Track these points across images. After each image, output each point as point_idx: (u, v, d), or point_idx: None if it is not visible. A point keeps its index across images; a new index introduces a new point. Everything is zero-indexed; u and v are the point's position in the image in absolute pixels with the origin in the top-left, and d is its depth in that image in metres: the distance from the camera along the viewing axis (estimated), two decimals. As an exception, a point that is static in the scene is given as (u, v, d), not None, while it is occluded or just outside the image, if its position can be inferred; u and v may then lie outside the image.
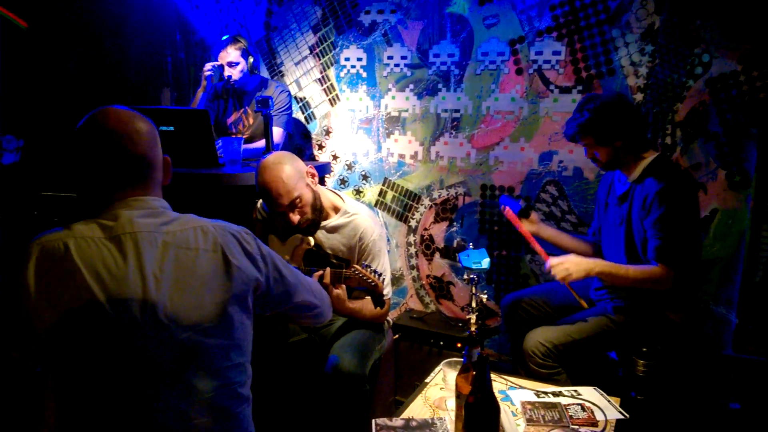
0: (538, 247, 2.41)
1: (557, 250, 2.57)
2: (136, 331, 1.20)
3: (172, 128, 2.77)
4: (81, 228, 1.24)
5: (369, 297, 2.23)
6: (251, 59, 3.28)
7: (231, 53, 3.21)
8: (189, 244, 1.30)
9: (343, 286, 2.16)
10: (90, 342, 1.19)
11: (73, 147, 1.30)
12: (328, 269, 2.13)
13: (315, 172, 2.31)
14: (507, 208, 2.55)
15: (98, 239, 1.22)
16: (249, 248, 1.39)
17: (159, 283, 1.23)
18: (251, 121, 3.38)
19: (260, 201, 2.49)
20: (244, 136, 3.34)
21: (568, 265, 2.20)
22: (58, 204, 2.79)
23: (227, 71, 3.23)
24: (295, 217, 2.20)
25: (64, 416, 1.22)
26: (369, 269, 2.11)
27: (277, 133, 3.22)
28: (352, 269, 2.10)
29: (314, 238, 2.35)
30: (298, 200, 2.18)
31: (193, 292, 1.27)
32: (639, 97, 2.77)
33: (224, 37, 3.27)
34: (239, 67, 3.23)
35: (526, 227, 2.52)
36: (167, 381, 1.24)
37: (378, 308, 2.19)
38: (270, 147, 2.85)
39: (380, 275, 2.13)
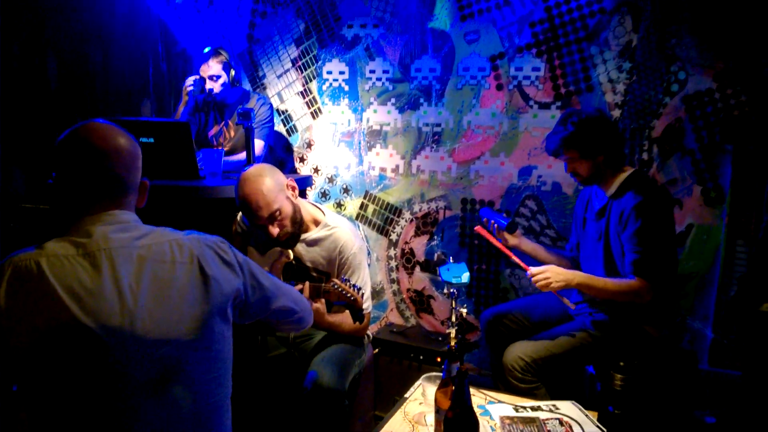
0: (516, 258, 2.42)
1: (537, 263, 2.59)
2: (115, 347, 1.18)
3: (152, 140, 2.75)
4: (53, 246, 1.22)
5: (348, 311, 2.22)
6: (233, 72, 3.26)
7: (212, 66, 3.19)
8: (165, 257, 1.28)
9: (323, 300, 2.15)
10: (69, 359, 1.17)
11: (53, 159, 1.28)
12: (307, 283, 2.12)
13: (295, 185, 2.31)
14: (479, 227, 2.55)
15: (71, 256, 1.20)
16: (226, 257, 1.39)
17: (136, 298, 1.22)
18: (232, 133, 3.37)
19: (240, 214, 2.47)
20: (225, 149, 3.33)
21: (548, 274, 2.22)
22: (38, 216, 2.75)
23: (208, 84, 3.21)
24: (275, 230, 2.19)
25: None
26: (348, 283, 2.10)
27: (258, 145, 3.21)
28: (331, 283, 2.09)
29: (294, 252, 2.35)
30: (277, 213, 2.17)
31: (171, 306, 1.25)
32: (616, 113, 2.81)
33: (206, 50, 3.25)
34: (221, 81, 3.22)
35: (510, 241, 2.53)
36: (149, 395, 1.22)
37: (357, 323, 2.18)
38: (251, 159, 2.85)
39: (359, 289, 2.13)
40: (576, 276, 2.24)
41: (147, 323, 1.22)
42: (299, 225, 2.29)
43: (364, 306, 2.30)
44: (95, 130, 1.31)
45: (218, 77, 3.20)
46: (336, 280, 2.10)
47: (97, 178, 1.28)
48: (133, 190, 1.36)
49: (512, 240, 2.55)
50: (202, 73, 3.21)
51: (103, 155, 1.28)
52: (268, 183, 2.16)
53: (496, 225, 2.55)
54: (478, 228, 2.54)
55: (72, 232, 1.25)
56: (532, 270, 2.25)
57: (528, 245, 2.59)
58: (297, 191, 2.32)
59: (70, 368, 1.17)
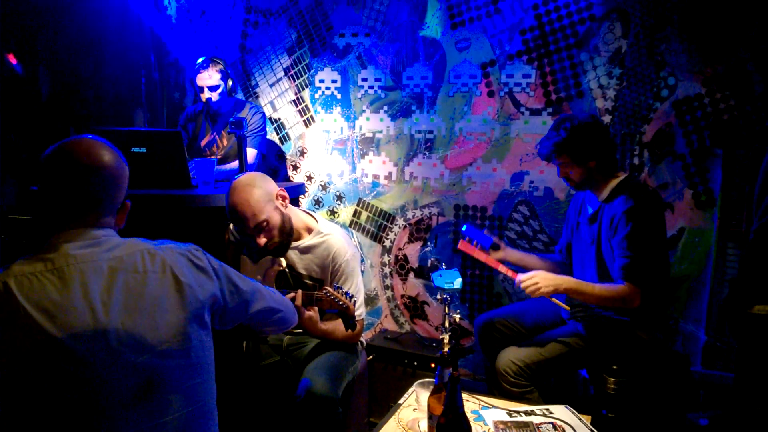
0: (503, 269, 2.42)
1: (524, 271, 2.60)
2: (91, 360, 1.18)
3: (144, 150, 2.75)
4: (20, 266, 1.21)
5: (341, 319, 2.23)
6: (230, 81, 3.28)
7: (213, 76, 3.18)
8: (137, 267, 1.28)
9: (316, 308, 2.16)
10: (45, 376, 1.16)
11: (37, 172, 1.29)
12: (299, 291, 2.12)
13: (286, 194, 2.31)
14: (463, 242, 2.55)
15: (39, 273, 1.19)
16: (200, 263, 1.39)
17: (108, 310, 1.21)
18: (225, 142, 3.37)
19: (233, 223, 2.47)
20: (218, 158, 3.33)
21: (537, 280, 2.23)
22: (27, 227, 2.75)
23: (207, 94, 3.21)
24: (262, 240, 2.19)
25: None
26: (341, 291, 2.11)
27: (251, 154, 3.22)
28: (324, 291, 2.10)
29: (287, 259, 2.35)
30: (264, 223, 2.18)
31: (145, 315, 1.25)
32: (607, 118, 2.83)
33: (200, 60, 3.26)
34: (219, 90, 3.23)
35: (493, 255, 2.54)
36: (131, 406, 1.22)
37: (349, 330, 2.19)
38: (243, 168, 2.85)
39: (352, 297, 2.13)
40: (565, 281, 2.25)
41: (121, 334, 1.21)
42: (288, 235, 2.29)
43: (357, 313, 2.31)
44: (81, 146, 1.30)
45: (217, 87, 3.21)
46: (328, 288, 2.10)
47: (75, 194, 1.28)
48: (111, 210, 1.34)
49: (496, 254, 2.56)
50: (199, 82, 3.20)
51: (84, 172, 1.28)
52: (257, 193, 2.17)
53: (479, 245, 2.55)
54: (460, 245, 2.55)
55: (41, 249, 1.25)
56: (521, 277, 2.26)
57: (514, 255, 2.60)
58: (287, 200, 2.32)
59: (47, 384, 1.16)
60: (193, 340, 1.32)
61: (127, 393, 1.21)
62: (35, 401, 1.16)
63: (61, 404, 1.17)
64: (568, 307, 2.33)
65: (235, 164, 3.16)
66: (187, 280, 1.33)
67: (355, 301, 2.16)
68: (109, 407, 1.20)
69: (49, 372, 1.16)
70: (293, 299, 2.09)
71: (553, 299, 2.29)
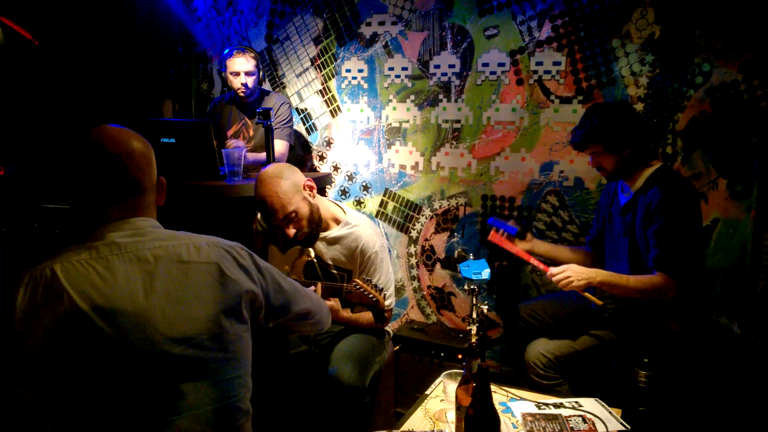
0: (534, 261, 2.39)
1: (556, 264, 2.57)
2: (128, 347, 1.19)
3: (173, 140, 2.78)
4: (68, 253, 1.24)
5: (370, 312, 2.24)
6: (261, 72, 3.31)
7: (249, 62, 3.21)
8: (181, 257, 1.30)
9: (337, 299, 2.18)
10: (84, 361, 1.18)
11: (67, 163, 1.30)
12: (319, 285, 2.16)
13: (313, 184, 2.31)
14: (493, 233, 2.53)
15: (84, 261, 1.22)
16: (243, 262, 1.40)
17: (149, 297, 1.23)
18: (252, 132, 3.39)
19: (260, 213, 2.49)
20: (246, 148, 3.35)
21: (569, 273, 2.19)
22: (59, 216, 2.80)
23: (242, 79, 3.22)
24: (291, 231, 2.20)
25: None
26: (370, 284, 2.11)
27: (281, 145, 3.22)
28: (354, 284, 2.10)
29: (315, 250, 2.35)
30: (293, 215, 2.18)
31: (185, 306, 1.26)
32: (639, 106, 2.77)
33: (227, 50, 3.27)
34: (254, 78, 3.25)
35: (520, 246, 2.52)
36: (164, 396, 1.23)
37: (378, 323, 2.19)
38: (271, 158, 2.86)
39: (381, 290, 2.13)
40: (598, 274, 2.21)
41: (160, 323, 1.22)
42: (317, 225, 2.30)
43: (388, 302, 2.31)
44: (107, 134, 1.32)
45: (254, 73, 3.23)
46: (358, 281, 2.10)
47: (112, 182, 1.30)
48: (149, 190, 1.37)
49: (524, 245, 2.53)
50: (235, 67, 3.21)
51: (115, 159, 1.30)
52: (284, 185, 2.17)
53: (506, 234, 2.53)
54: (490, 237, 2.52)
55: (89, 239, 1.27)
56: (552, 270, 2.23)
57: (542, 247, 2.57)
58: (315, 191, 2.32)
59: (86, 370, 1.18)
60: (232, 334, 1.33)
61: (161, 383, 1.22)
62: (73, 385, 1.18)
63: (98, 390, 1.19)
64: (600, 302, 2.28)
65: (262, 155, 3.17)
66: (231, 275, 1.34)
67: (384, 294, 2.16)
68: (143, 394, 1.21)
69: (87, 356, 1.18)
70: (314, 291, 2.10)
71: (585, 293, 2.25)
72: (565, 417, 1.87)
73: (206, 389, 1.28)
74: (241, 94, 3.26)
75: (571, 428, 1.81)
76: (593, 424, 1.84)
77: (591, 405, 1.98)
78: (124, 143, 1.32)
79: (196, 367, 1.26)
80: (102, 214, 1.30)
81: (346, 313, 2.27)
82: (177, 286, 1.27)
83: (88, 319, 1.17)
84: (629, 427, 1.84)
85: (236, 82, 3.23)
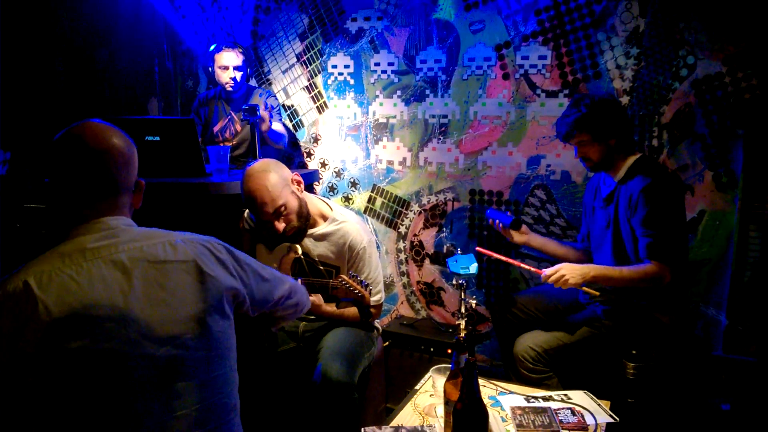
0: (525, 266, 2.37)
1: (548, 257, 2.58)
2: (111, 352, 1.17)
3: (158, 138, 2.75)
4: (38, 263, 1.20)
5: (355, 307, 2.24)
6: (248, 68, 3.31)
7: (239, 57, 3.23)
8: (157, 257, 1.27)
9: (319, 294, 2.17)
10: (66, 372, 1.15)
11: (47, 158, 1.28)
12: (300, 280, 2.14)
13: (301, 179, 2.30)
14: (479, 247, 2.53)
15: (57, 269, 1.18)
16: (221, 256, 1.38)
17: (128, 301, 1.20)
18: (238, 128, 3.37)
19: (247, 211, 2.47)
20: (232, 144, 3.33)
21: (563, 272, 2.19)
22: (44, 217, 2.77)
23: (230, 74, 3.22)
24: (281, 225, 2.19)
25: None
26: (356, 279, 2.10)
27: (280, 128, 3.22)
28: (339, 280, 2.09)
29: (302, 247, 2.34)
30: (282, 208, 2.17)
31: (165, 306, 1.24)
32: (625, 99, 2.78)
33: (214, 45, 3.26)
34: (242, 73, 3.25)
35: (516, 238, 2.53)
36: (151, 398, 1.21)
37: (364, 319, 2.19)
38: (257, 155, 2.85)
39: (367, 286, 2.13)
40: (591, 269, 2.22)
41: (141, 325, 1.20)
42: (306, 219, 2.29)
43: (376, 298, 2.32)
44: (89, 130, 1.29)
45: (242, 68, 3.24)
46: (344, 277, 2.10)
47: (90, 179, 1.27)
48: (126, 192, 1.34)
49: (520, 237, 2.54)
50: (224, 62, 3.21)
51: (95, 156, 1.27)
52: (273, 178, 2.16)
53: (501, 224, 2.54)
54: (478, 248, 2.53)
55: (60, 245, 1.24)
56: (546, 272, 2.23)
57: (537, 240, 2.57)
58: (302, 186, 2.31)
59: (68, 378, 1.16)
60: (214, 331, 1.31)
61: (148, 384, 1.21)
62: (57, 395, 1.16)
63: (81, 397, 1.17)
64: (597, 293, 2.26)
65: (281, 129, 3.16)
66: (208, 271, 1.32)
67: (371, 290, 2.16)
68: (130, 399, 1.19)
69: (69, 366, 1.15)
70: None
71: (583, 287, 2.24)
72: (554, 410, 1.88)
73: (193, 388, 1.27)
74: (229, 89, 3.26)
75: (560, 421, 1.82)
76: (582, 416, 1.85)
77: (580, 397, 1.99)
78: (106, 140, 1.29)
79: (181, 367, 1.25)
80: (77, 212, 1.27)
81: (330, 308, 2.27)
82: (156, 286, 1.24)
83: (67, 327, 1.14)
84: (618, 419, 1.84)
85: (224, 77, 3.23)
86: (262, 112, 2.84)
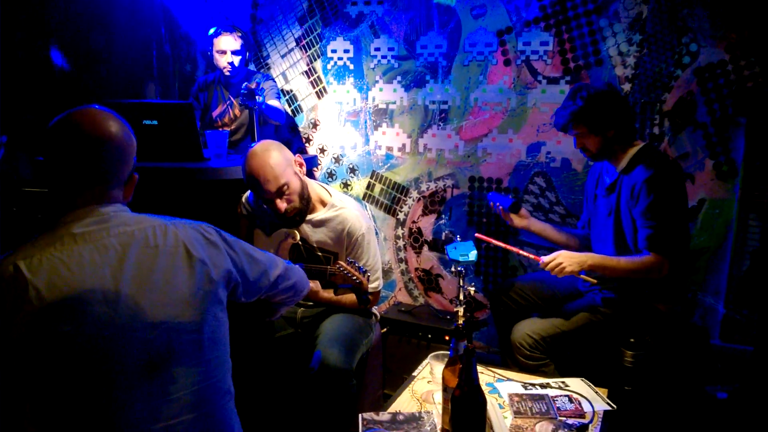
0: (524, 253, 2.37)
1: (548, 243, 2.57)
2: (103, 337, 1.17)
3: (155, 122, 2.73)
4: (29, 248, 1.19)
5: (353, 293, 2.23)
6: (248, 53, 3.28)
7: (237, 41, 3.19)
8: (148, 242, 1.26)
9: (316, 281, 2.16)
10: (57, 355, 1.15)
11: (43, 141, 1.26)
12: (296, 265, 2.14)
13: (303, 161, 2.30)
14: (478, 233, 2.52)
15: (48, 255, 1.17)
16: (212, 239, 1.37)
17: (119, 286, 1.19)
18: (237, 112, 3.35)
19: (245, 196, 2.46)
20: (231, 128, 3.31)
21: (561, 260, 2.19)
22: (39, 200, 2.75)
23: (228, 58, 3.19)
24: (282, 205, 2.18)
25: None
26: (354, 266, 2.10)
27: (277, 104, 3.19)
28: (337, 266, 2.09)
29: (300, 233, 2.33)
30: (285, 187, 2.16)
31: (156, 290, 1.23)
32: (627, 87, 2.76)
33: (213, 29, 3.23)
34: (240, 57, 3.22)
35: (516, 222, 2.52)
36: (144, 381, 1.21)
37: (362, 305, 2.19)
38: (255, 139, 2.83)
39: (365, 272, 2.12)
40: (589, 258, 2.21)
41: (132, 310, 1.20)
42: (306, 202, 2.28)
43: (374, 285, 2.31)
44: (88, 117, 1.27)
45: (241, 53, 3.21)
46: (342, 263, 2.09)
47: (82, 166, 1.25)
48: (119, 183, 1.32)
49: (520, 221, 2.53)
50: (222, 46, 3.19)
51: (90, 143, 1.25)
52: (276, 157, 2.15)
53: (501, 207, 2.53)
54: (478, 234, 2.52)
55: (50, 229, 1.23)
56: (544, 259, 2.22)
57: (537, 225, 2.57)
58: (304, 168, 2.30)
59: (59, 362, 1.15)
60: (207, 315, 1.30)
61: (139, 368, 1.21)
62: (47, 379, 1.16)
63: (73, 381, 1.16)
64: (594, 281, 2.26)
65: (279, 105, 3.14)
66: (200, 255, 1.31)
67: (369, 276, 2.15)
68: (121, 382, 1.19)
69: (61, 350, 1.15)
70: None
71: (581, 275, 2.24)
72: (552, 397, 1.88)
73: (186, 372, 1.26)
74: (227, 73, 3.23)
75: (558, 408, 1.82)
76: (579, 404, 1.85)
77: (577, 385, 1.99)
78: (103, 128, 1.27)
79: (174, 351, 1.24)
80: (69, 198, 1.25)
81: (327, 294, 2.27)
82: (146, 271, 1.24)
83: (58, 312, 1.14)
84: (615, 406, 1.85)
85: (222, 61, 3.20)
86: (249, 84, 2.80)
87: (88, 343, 1.16)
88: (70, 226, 1.22)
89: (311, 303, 2.38)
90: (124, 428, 1.19)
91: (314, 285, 2.19)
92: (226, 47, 3.18)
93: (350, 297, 2.30)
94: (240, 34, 3.21)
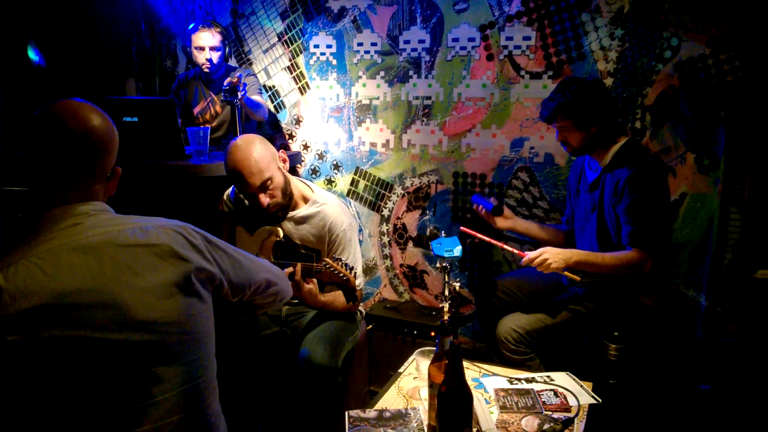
0: (509, 248, 2.36)
1: (533, 241, 2.57)
2: (86, 340, 1.14)
3: (136, 119, 2.69)
4: (4, 254, 1.15)
5: (341, 291, 2.21)
6: (227, 48, 3.24)
7: (215, 37, 3.15)
8: (128, 241, 1.23)
9: (314, 280, 2.13)
10: (39, 362, 1.12)
11: (23, 135, 1.23)
12: (299, 265, 2.09)
13: (286, 157, 2.28)
14: (463, 227, 2.51)
15: (26, 260, 1.14)
16: (195, 241, 1.34)
17: (98, 286, 1.17)
18: (218, 109, 3.31)
19: (227, 192, 2.44)
20: (212, 125, 3.28)
21: (546, 256, 2.20)
22: (21, 200, 2.70)
23: (207, 54, 3.15)
24: (265, 200, 2.15)
25: None
26: (340, 263, 2.08)
27: (259, 98, 3.16)
28: (323, 263, 2.07)
29: (283, 230, 2.31)
30: (269, 182, 2.14)
31: (138, 290, 1.21)
32: (609, 81, 2.77)
33: (192, 24, 3.19)
34: (219, 53, 3.18)
35: (500, 223, 2.52)
36: (126, 385, 1.19)
37: (350, 302, 2.17)
38: (237, 134, 2.80)
39: (352, 269, 2.10)
40: (573, 254, 2.22)
41: (114, 311, 1.17)
42: (289, 197, 2.26)
43: (357, 282, 2.29)
44: (70, 110, 1.24)
45: (220, 49, 3.17)
46: (328, 260, 2.07)
47: (63, 161, 1.22)
48: (101, 178, 1.29)
49: (504, 223, 2.54)
50: (200, 42, 3.14)
51: (72, 137, 1.22)
52: (260, 150, 2.13)
53: (484, 210, 2.53)
54: (463, 228, 2.51)
55: (27, 232, 1.19)
56: (529, 255, 2.22)
57: (522, 225, 2.57)
58: (287, 164, 2.29)
59: (40, 367, 1.13)
60: (190, 315, 1.28)
61: (122, 371, 1.18)
62: (28, 385, 1.13)
63: (53, 386, 1.14)
64: (578, 278, 2.26)
65: (261, 99, 3.10)
66: (182, 256, 1.29)
67: (355, 273, 2.14)
68: (103, 387, 1.17)
69: (40, 356, 1.12)
70: (293, 273, 2.07)
71: (565, 272, 2.24)
72: (538, 391, 1.89)
73: (171, 373, 1.24)
74: (206, 70, 3.19)
75: (543, 402, 1.82)
76: (565, 398, 1.86)
77: (562, 379, 2.00)
78: (85, 122, 1.24)
79: (158, 352, 1.22)
80: (48, 194, 1.22)
81: (323, 297, 2.23)
82: (126, 271, 1.20)
83: (36, 318, 1.11)
84: (600, 399, 1.85)
85: (201, 58, 3.16)
86: (231, 79, 2.77)
87: (69, 348, 1.14)
88: (48, 227, 1.19)
89: (296, 301, 2.36)
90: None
91: (314, 287, 2.15)
92: (205, 43, 3.13)
93: (341, 298, 2.26)
94: (219, 30, 3.17)
